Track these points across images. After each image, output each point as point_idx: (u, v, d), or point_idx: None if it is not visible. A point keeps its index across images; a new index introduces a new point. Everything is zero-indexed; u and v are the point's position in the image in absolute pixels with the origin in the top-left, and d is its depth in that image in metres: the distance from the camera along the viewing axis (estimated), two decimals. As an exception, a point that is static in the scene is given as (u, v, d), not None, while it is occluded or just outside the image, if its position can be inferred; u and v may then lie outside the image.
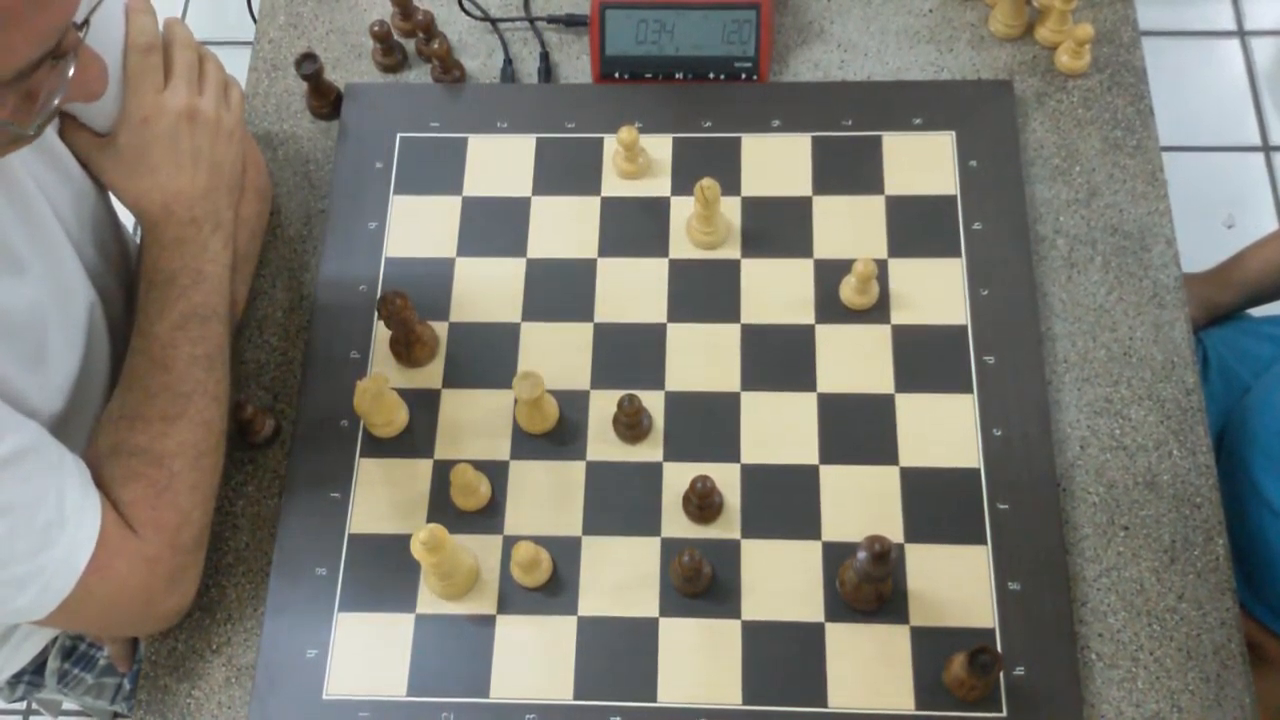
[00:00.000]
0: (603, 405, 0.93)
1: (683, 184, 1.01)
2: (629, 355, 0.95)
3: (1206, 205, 1.94)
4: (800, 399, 0.92)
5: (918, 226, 0.98)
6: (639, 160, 1.00)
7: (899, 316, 0.95)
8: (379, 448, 0.93)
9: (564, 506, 0.90)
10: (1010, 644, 0.84)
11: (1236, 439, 1.09)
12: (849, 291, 0.95)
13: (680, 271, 0.98)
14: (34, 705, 1.67)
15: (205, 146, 0.89)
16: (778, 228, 0.99)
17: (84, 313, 0.88)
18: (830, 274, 0.96)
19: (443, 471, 0.90)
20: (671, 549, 0.88)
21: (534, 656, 0.85)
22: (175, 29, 0.91)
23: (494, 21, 1.11)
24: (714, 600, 0.86)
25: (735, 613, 0.86)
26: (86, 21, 0.71)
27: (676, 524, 0.89)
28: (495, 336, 0.96)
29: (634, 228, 1.00)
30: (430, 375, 0.95)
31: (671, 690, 0.84)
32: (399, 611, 0.87)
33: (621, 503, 0.90)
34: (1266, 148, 1.99)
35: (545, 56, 1.09)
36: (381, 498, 0.91)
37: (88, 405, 0.89)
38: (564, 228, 1.00)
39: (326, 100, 1.07)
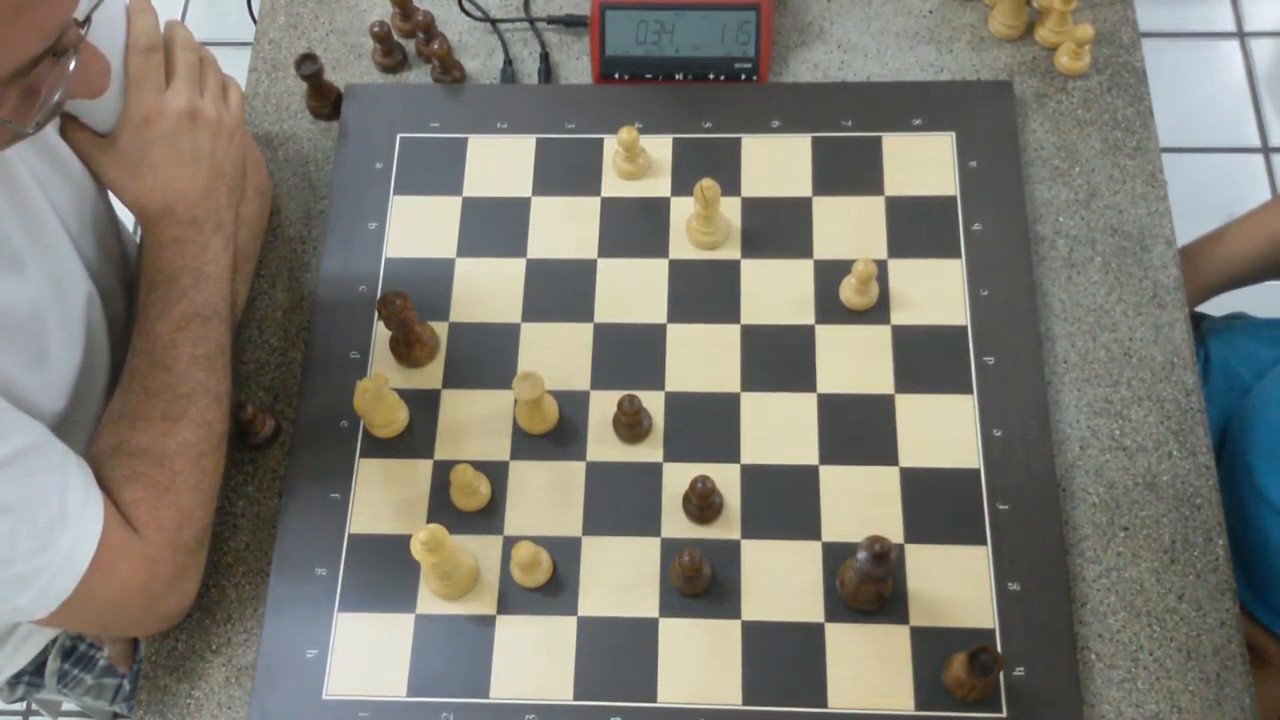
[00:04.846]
0: (603, 405, 0.93)
1: (683, 184, 1.01)
2: (629, 355, 0.95)
3: (1206, 206, 1.93)
4: (800, 399, 0.92)
5: (917, 227, 0.98)
6: (639, 160, 1.01)
7: (899, 317, 0.95)
8: (379, 448, 0.93)
9: (564, 507, 0.90)
10: (1010, 644, 0.84)
11: (1238, 440, 1.09)
12: (849, 292, 0.95)
13: (680, 272, 0.98)
14: (34, 706, 1.67)
15: (206, 147, 0.89)
16: (778, 228, 0.99)
17: (82, 309, 0.88)
18: (830, 274, 0.96)
19: (443, 472, 0.90)
20: (671, 549, 0.88)
21: (534, 656, 0.85)
22: (176, 30, 0.92)
23: (494, 22, 1.11)
24: (714, 600, 0.86)
25: (735, 613, 0.86)
26: (88, 19, 0.71)
27: (676, 524, 0.89)
28: (495, 336, 0.96)
29: (634, 228, 1.00)
30: (430, 375, 0.95)
31: (671, 690, 0.84)
32: (399, 611, 0.87)
33: (621, 503, 0.90)
34: (1266, 149, 1.99)
35: (545, 57, 1.09)
36: (381, 498, 0.91)
37: (89, 403, 0.89)
38: (564, 228, 1.00)
39: (326, 100, 1.07)
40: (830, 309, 0.96)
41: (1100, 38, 1.07)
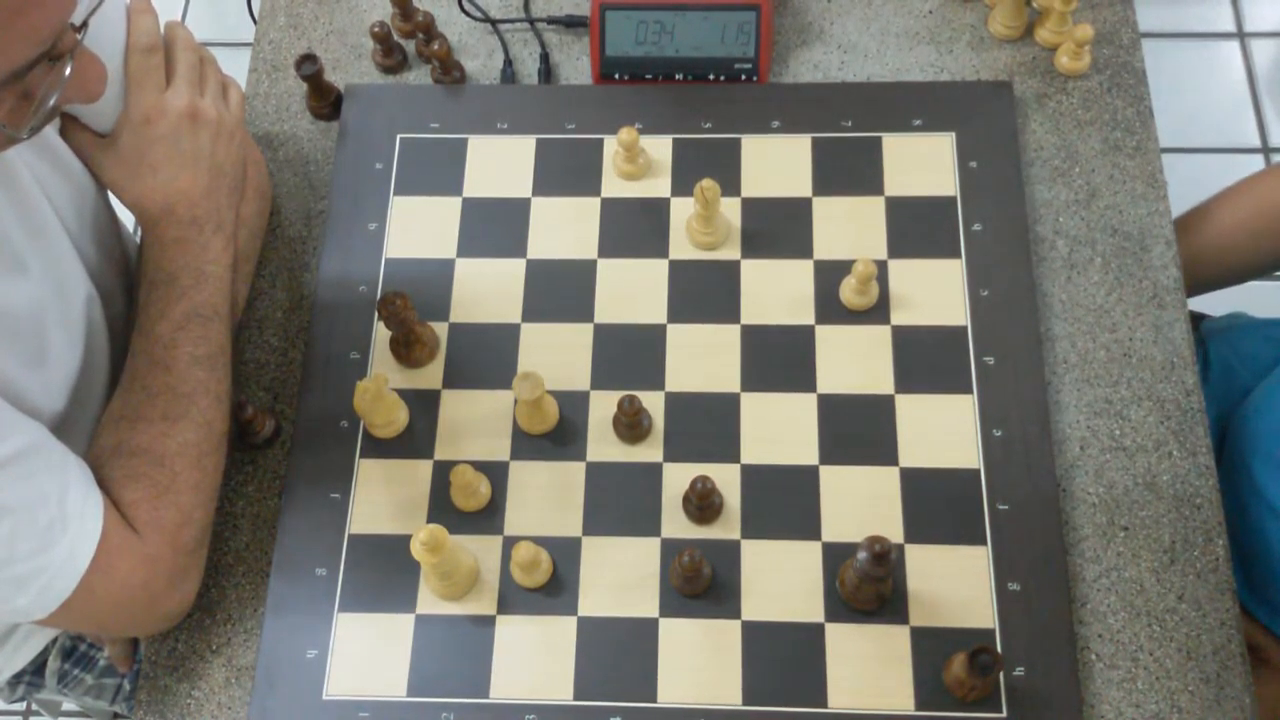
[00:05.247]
0: (603, 406, 0.93)
1: (683, 185, 1.01)
2: (629, 355, 0.95)
3: (1206, 207, 1.93)
4: (800, 399, 0.92)
5: (917, 227, 0.98)
6: (639, 161, 1.01)
7: (899, 317, 0.95)
8: (379, 448, 0.93)
9: (564, 507, 0.90)
10: (1010, 644, 0.84)
11: (1238, 441, 1.09)
12: (849, 292, 0.95)
13: (680, 272, 0.98)
14: (34, 706, 1.67)
15: (206, 147, 0.89)
16: (778, 228, 0.99)
17: (82, 309, 0.88)
18: (830, 274, 0.96)
19: (443, 472, 0.90)
20: (671, 549, 0.88)
21: (534, 656, 0.85)
22: (176, 30, 0.92)
23: (494, 22, 1.11)
24: (714, 600, 0.86)
25: (735, 613, 0.86)
26: (85, 24, 0.71)
27: (676, 524, 0.89)
28: (495, 337, 0.96)
29: (634, 228, 1.00)
30: (430, 375, 0.95)
31: (671, 690, 0.84)
32: (399, 611, 0.87)
33: (621, 503, 0.90)
34: (1266, 149, 1.99)
35: (545, 57, 1.09)
36: (381, 498, 0.91)
37: (89, 404, 0.89)
38: (564, 228, 1.00)
39: (326, 101, 1.07)
40: (830, 309, 0.96)
41: (1100, 38, 1.07)
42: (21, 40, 0.64)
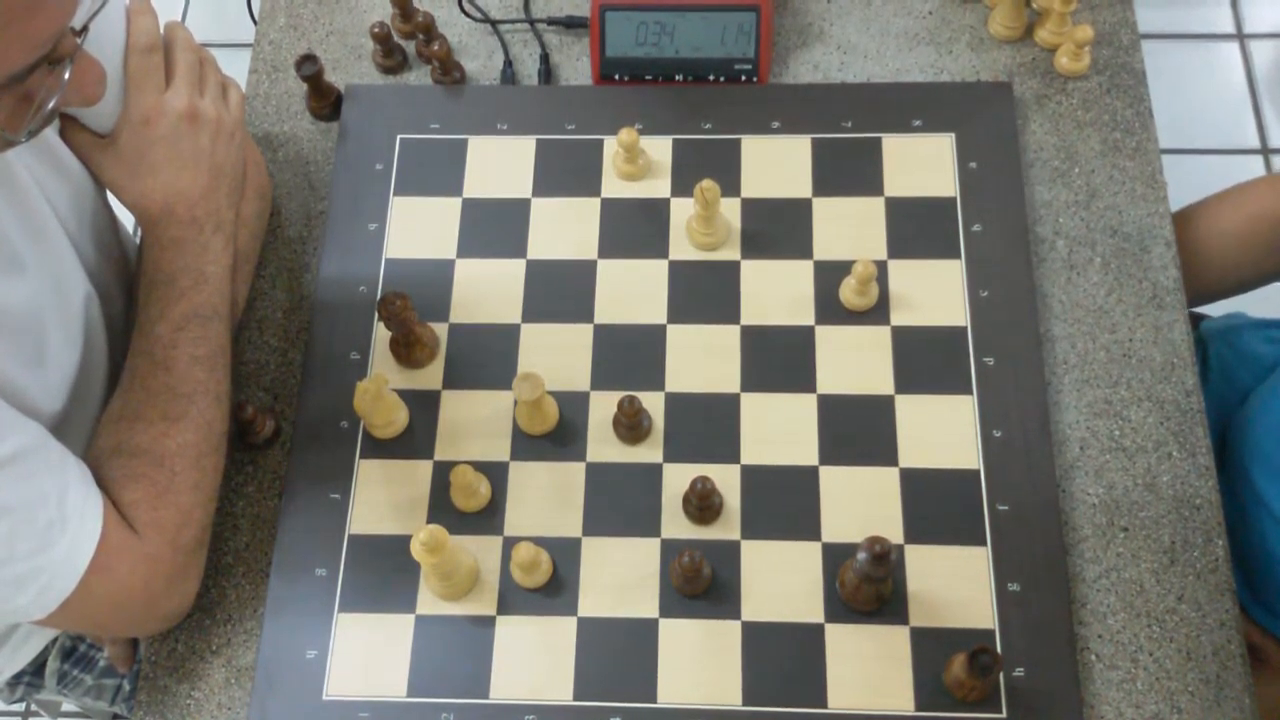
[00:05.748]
0: (603, 406, 0.93)
1: (683, 185, 1.01)
2: (629, 356, 0.95)
3: (1206, 207, 1.93)
4: (800, 400, 0.92)
5: (917, 228, 0.98)
6: (639, 161, 1.01)
7: (899, 318, 0.95)
8: (379, 448, 0.93)
9: (564, 507, 0.90)
10: (1010, 645, 0.84)
11: (1238, 444, 1.09)
12: (849, 293, 0.95)
13: (680, 273, 0.98)
14: (33, 706, 1.67)
15: (206, 147, 0.89)
16: (777, 229, 0.99)
17: (81, 309, 0.88)
18: (830, 275, 0.96)
19: (443, 472, 0.90)
20: (671, 550, 0.88)
21: (534, 657, 0.85)
22: (176, 31, 0.92)
23: (494, 23, 1.11)
24: (714, 601, 0.86)
25: (735, 613, 0.86)
26: (85, 28, 0.71)
27: (676, 525, 0.89)
28: (495, 337, 0.96)
29: (634, 229, 1.00)
30: (430, 376, 0.95)
31: (671, 691, 0.84)
32: (399, 612, 0.87)
33: (621, 504, 0.90)
34: (1265, 150, 1.99)
35: (545, 58, 1.09)
36: (381, 498, 0.91)
37: (87, 404, 0.89)
38: (564, 229, 1.00)
39: (327, 101, 1.07)
40: (830, 309, 0.96)
41: (1100, 39, 1.07)
42: (21, 44, 0.64)
